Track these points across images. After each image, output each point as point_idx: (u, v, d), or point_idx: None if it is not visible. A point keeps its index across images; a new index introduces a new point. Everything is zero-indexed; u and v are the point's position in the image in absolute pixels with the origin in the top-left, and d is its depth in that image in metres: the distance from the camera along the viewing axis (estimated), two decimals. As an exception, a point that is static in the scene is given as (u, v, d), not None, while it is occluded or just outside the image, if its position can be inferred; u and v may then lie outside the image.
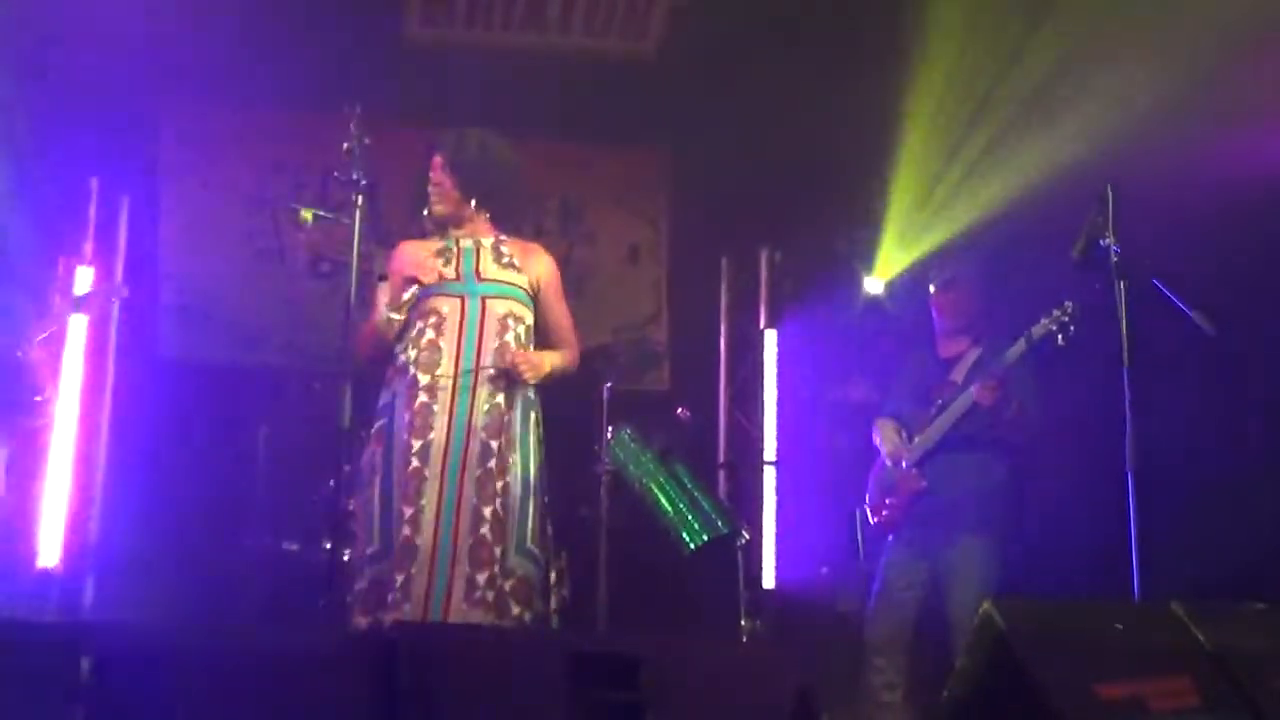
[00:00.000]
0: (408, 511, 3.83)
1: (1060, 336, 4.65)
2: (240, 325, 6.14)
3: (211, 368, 6.07)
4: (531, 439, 4.05)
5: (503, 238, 4.18)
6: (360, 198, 3.81)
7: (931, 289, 5.19)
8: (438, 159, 4.13)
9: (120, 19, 5.36)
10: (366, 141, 3.80)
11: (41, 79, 5.41)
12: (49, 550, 5.51)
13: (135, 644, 2.54)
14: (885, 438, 5.10)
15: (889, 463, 5.05)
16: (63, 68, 5.44)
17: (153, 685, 2.45)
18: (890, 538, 5.01)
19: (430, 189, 4.12)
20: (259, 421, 5.23)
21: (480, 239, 4.14)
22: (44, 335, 4.46)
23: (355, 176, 3.81)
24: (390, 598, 3.77)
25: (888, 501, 5.01)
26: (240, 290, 6.20)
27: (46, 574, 5.53)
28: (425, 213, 4.18)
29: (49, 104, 5.48)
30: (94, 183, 5.96)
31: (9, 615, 4.68)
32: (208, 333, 6.16)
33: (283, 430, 4.05)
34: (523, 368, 3.98)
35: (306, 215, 4.30)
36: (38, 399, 4.23)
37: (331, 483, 4.47)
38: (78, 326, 5.44)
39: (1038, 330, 4.71)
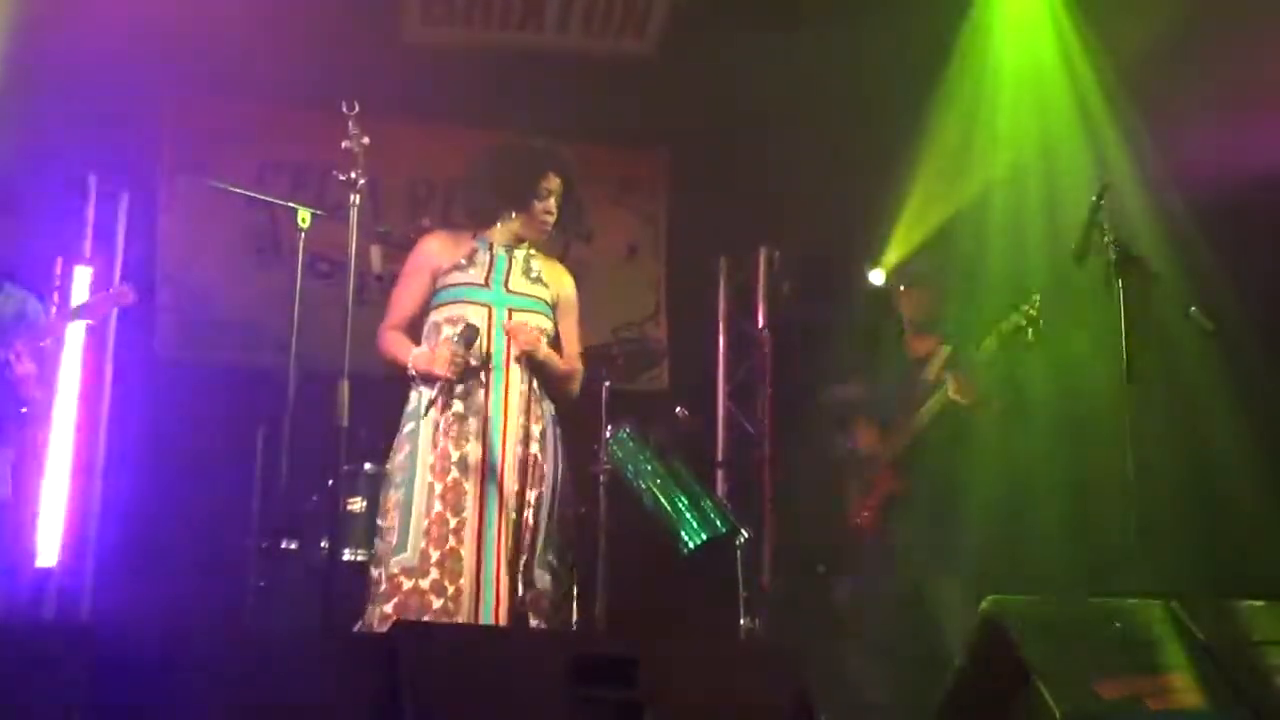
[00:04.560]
0: (453, 521, 3.86)
1: (1030, 331, 4.66)
2: (238, 325, 6.13)
3: (209, 367, 6.06)
4: (558, 453, 4.09)
5: (533, 251, 4.19)
6: (358, 197, 3.80)
7: (900, 287, 5.21)
8: (558, 187, 4.13)
9: (119, 16, 5.36)
10: (365, 141, 3.80)
11: (39, 76, 5.40)
12: (48, 551, 5.51)
13: (134, 645, 2.54)
14: (862, 439, 5.11)
15: (866, 464, 5.06)
16: (61, 65, 5.43)
17: (151, 686, 2.45)
18: (870, 537, 5.01)
19: (545, 215, 4.13)
20: (257, 421, 5.21)
21: (514, 249, 4.15)
22: (44, 342, 4.45)
23: (353, 176, 3.80)
24: (437, 604, 3.78)
25: (868, 503, 5.02)
26: (238, 290, 6.19)
27: (46, 574, 5.53)
28: (530, 230, 4.16)
29: (46, 102, 5.47)
30: (92, 181, 5.95)
31: (9, 616, 4.67)
32: (205, 332, 6.15)
33: (280, 430, 4.04)
34: (523, 338, 3.99)
35: (304, 215, 4.29)
36: (24, 410, 4.22)
37: (330, 482, 4.47)
38: (76, 326, 5.44)
39: (1006, 325, 4.72)
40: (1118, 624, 3.11)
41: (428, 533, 3.84)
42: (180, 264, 6.17)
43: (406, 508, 3.88)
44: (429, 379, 3.97)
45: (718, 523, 5.02)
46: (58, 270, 5.83)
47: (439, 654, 2.70)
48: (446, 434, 3.92)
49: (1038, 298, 4.68)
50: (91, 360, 5.80)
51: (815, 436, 5.80)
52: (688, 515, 4.98)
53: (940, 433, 4.84)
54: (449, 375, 3.92)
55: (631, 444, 5.10)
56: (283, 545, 5.14)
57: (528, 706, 2.70)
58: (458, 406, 3.93)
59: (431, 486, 3.89)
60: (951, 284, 5.12)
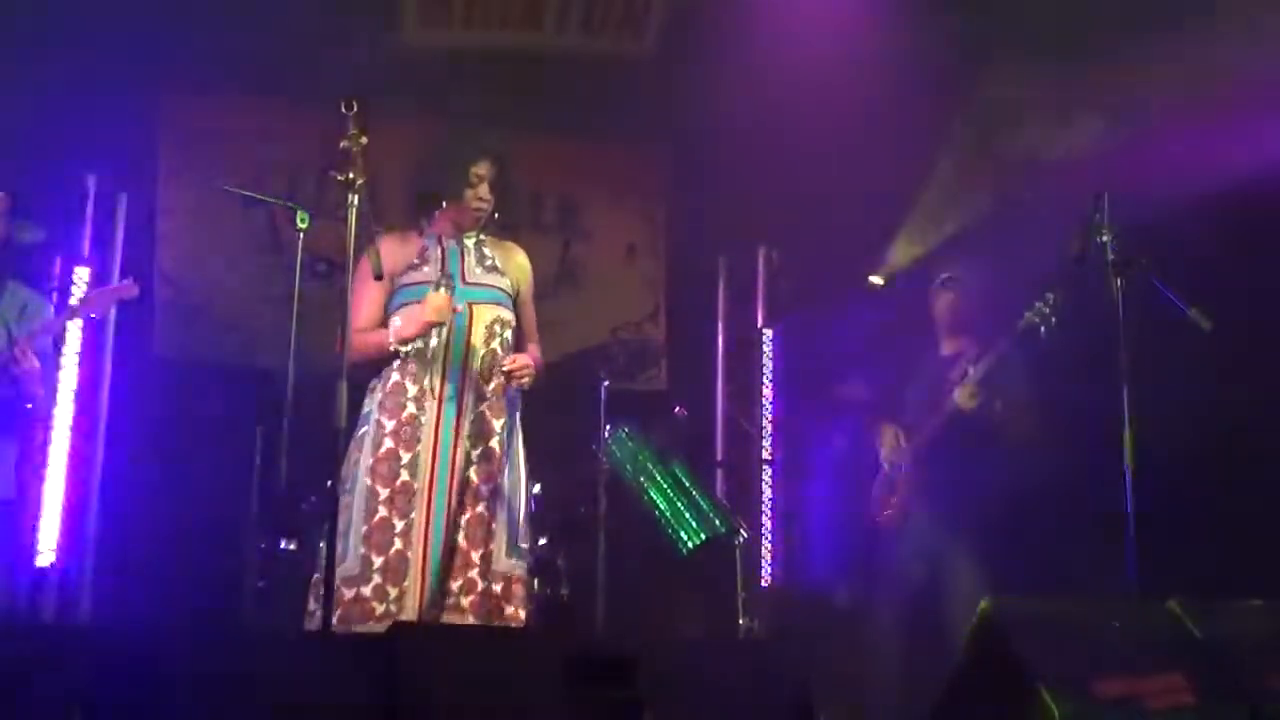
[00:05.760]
0: (399, 525, 3.83)
1: (1043, 328, 4.67)
2: (237, 325, 6.13)
3: (208, 368, 6.06)
4: (517, 440, 4.06)
5: (483, 237, 4.19)
6: (356, 197, 3.80)
7: (931, 289, 5.22)
8: (490, 173, 4.11)
9: (117, 16, 5.36)
10: (364, 141, 3.79)
11: (38, 76, 5.40)
12: (46, 551, 5.51)
13: (132, 645, 2.54)
14: (884, 440, 5.12)
15: (888, 464, 5.07)
16: (59, 65, 5.43)
17: (150, 686, 2.45)
18: (890, 538, 5.02)
19: (478, 202, 4.11)
20: (255, 421, 5.22)
21: (464, 239, 4.15)
22: (48, 337, 4.47)
23: (352, 176, 3.80)
24: (379, 609, 3.76)
25: (889, 502, 5.02)
26: (237, 290, 6.19)
27: (45, 574, 5.53)
28: (466, 217, 4.14)
29: (46, 102, 5.47)
30: (91, 181, 5.95)
31: (8, 616, 4.67)
32: (204, 332, 6.15)
33: (279, 431, 4.05)
34: (523, 376, 3.99)
35: (303, 216, 4.29)
36: (29, 406, 4.24)
37: (329, 483, 4.46)
38: (75, 326, 5.44)
39: (1022, 324, 4.73)
40: (1117, 624, 3.11)
41: (368, 538, 3.80)
42: (179, 264, 6.17)
43: (349, 516, 3.85)
44: (414, 337, 3.93)
45: (717, 523, 5.03)
46: (56, 270, 5.84)
47: (438, 654, 2.70)
48: (397, 436, 3.90)
49: (1052, 296, 4.68)
50: (90, 360, 5.79)
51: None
52: (686, 515, 4.98)
53: (957, 433, 4.85)
54: (442, 320, 3.91)
55: (630, 444, 5.11)
56: (281, 546, 5.14)
57: (527, 707, 2.70)
58: (411, 409, 3.92)
59: (374, 491, 3.85)
60: (981, 285, 5.13)
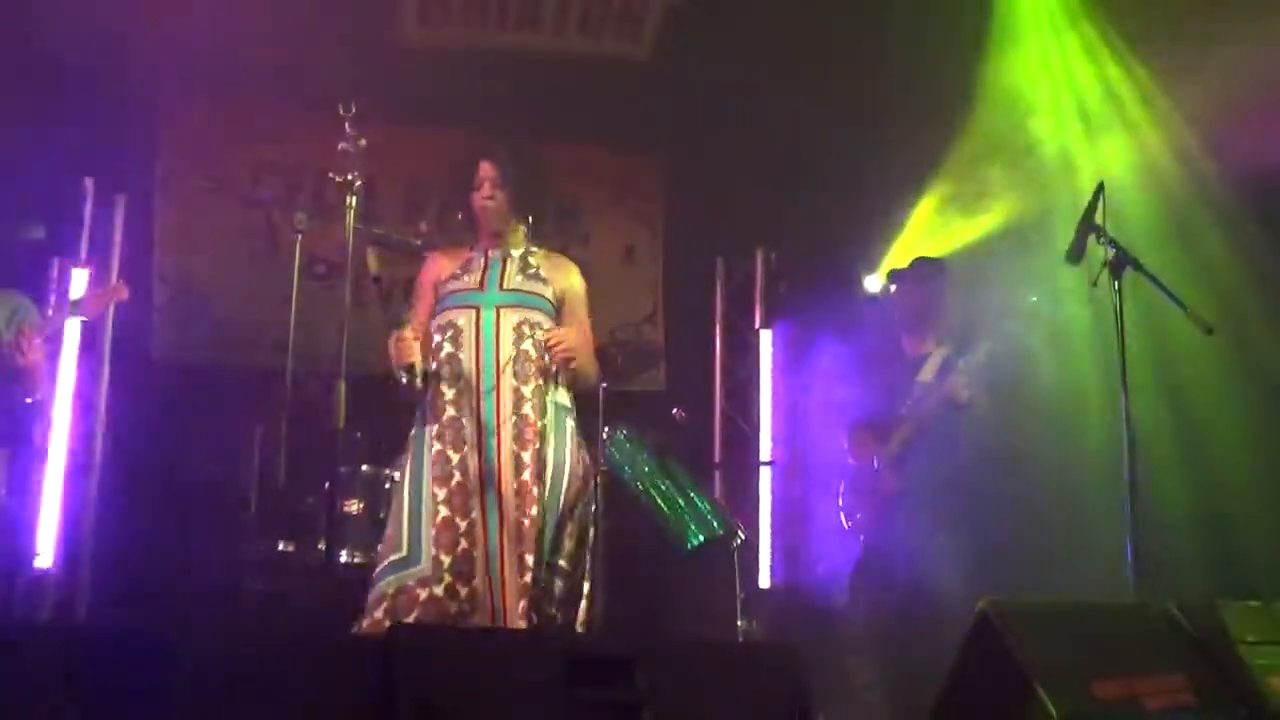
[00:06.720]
0: (462, 525, 3.86)
1: (1027, 336, 4.67)
2: (235, 326, 6.13)
3: (206, 368, 6.07)
4: (568, 449, 4.03)
5: (533, 249, 4.20)
6: (355, 198, 3.80)
7: (891, 288, 5.20)
8: (490, 172, 4.12)
9: (116, 18, 5.36)
10: (362, 142, 3.79)
11: (36, 78, 5.40)
12: (45, 552, 5.51)
13: (131, 646, 2.54)
14: (856, 440, 5.09)
15: (860, 465, 5.04)
16: (57, 67, 5.43)
17: (149, 687, 2.45)
18: (864, 539, 5.00)
19: (482, 202, 4.12)
20: (254, 422, 5.22)
21: (511, 250, 4.15)
22: (43, 337, 4.47)
23: (350, 177, 3.80)
24: (453, 609, 3.80)
25: (860, 504, 5.00)
26: (235, 291, 6.19)
27: (42, 575, 5.53)
28: (463, 218, 4.16)
29: (43, 104, 5.47)
30: (89, 183, 5.95)
31: (6, 616, 4.67)
32: (202, 333, 6.15)
33: (277, 431, 4.05)
34: (557, 344, 3.99)
35: (301, 217, 4.29)
36: (29, 400, 4.24)
37: (327, 484, 4.47)
38: (73, 328, 5.44)
39: (1006, 328, 4.71)
40: (1115, 624, 3.11)
41: (436, 540, 3.85)
42: (177, 265, 6.17)
43: (415, 516, 3.88)
44: (433, 307, 3.99)
45: (715, 524, 5.03)
46: (55, 272, 5.83)
47: (436, 656, 2.70)
48: (442, 439, 3.93)
49: (1035, 301, 4.67)
50: (88, 361, 5.79)
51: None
52: (685, 517, 4.98)
53: (937, 432, 4.83)
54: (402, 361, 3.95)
55: (629, 445, 5.11)
56: (279, 547, 5.14)
57: (525, 708, 2.70)
58: (451, 412, 3.94)
59: (434, 493, 3.89)
60: (949, 283, 5.10)
